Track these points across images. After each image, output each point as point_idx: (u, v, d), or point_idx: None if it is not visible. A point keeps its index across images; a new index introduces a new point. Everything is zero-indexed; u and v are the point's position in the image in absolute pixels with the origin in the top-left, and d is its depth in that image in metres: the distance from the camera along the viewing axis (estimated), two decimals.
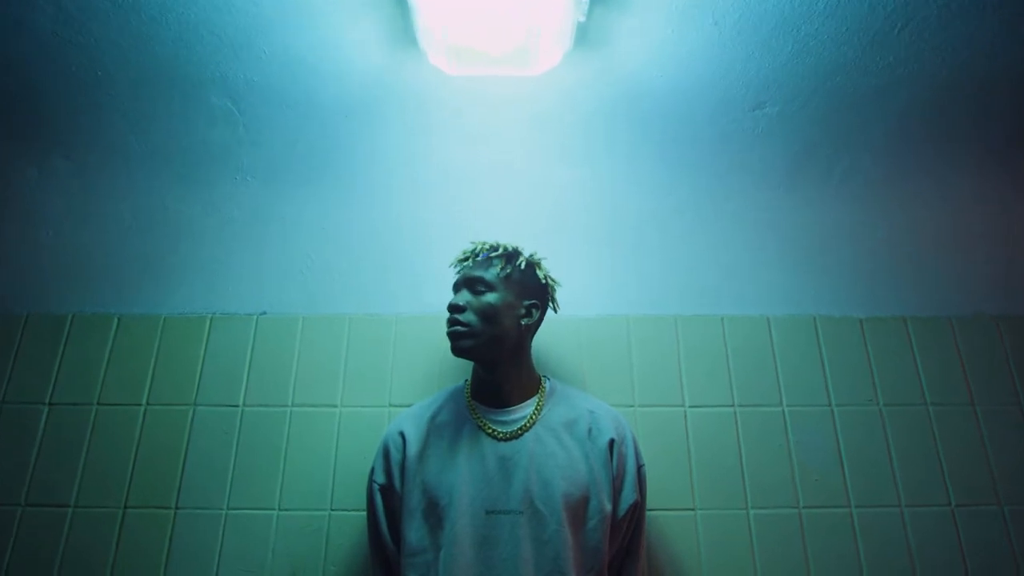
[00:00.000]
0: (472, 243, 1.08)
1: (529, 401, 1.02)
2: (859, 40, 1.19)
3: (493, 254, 1.05)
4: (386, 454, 1.00)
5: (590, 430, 1.01)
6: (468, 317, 0.99)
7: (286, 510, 1.15)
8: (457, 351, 0.99)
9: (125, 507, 1.15)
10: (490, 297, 1.01)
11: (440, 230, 1.37)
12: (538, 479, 0.93)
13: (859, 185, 1.40)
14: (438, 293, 1.26)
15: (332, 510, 1.15)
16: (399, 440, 1.00)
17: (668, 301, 1.34)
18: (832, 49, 1.20)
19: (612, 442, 1.00)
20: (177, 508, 1.15)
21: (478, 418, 1.00)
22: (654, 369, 1.26)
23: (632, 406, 1.23)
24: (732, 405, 1.24)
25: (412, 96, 1.31)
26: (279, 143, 1.39)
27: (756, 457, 1.19)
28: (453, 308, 1.00)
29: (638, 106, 1.33)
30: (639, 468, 1.02)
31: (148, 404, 1.23)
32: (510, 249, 1.06)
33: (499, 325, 1.00)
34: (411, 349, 1.28)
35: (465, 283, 1.03)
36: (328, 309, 1.32)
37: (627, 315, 1.31)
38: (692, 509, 1.15)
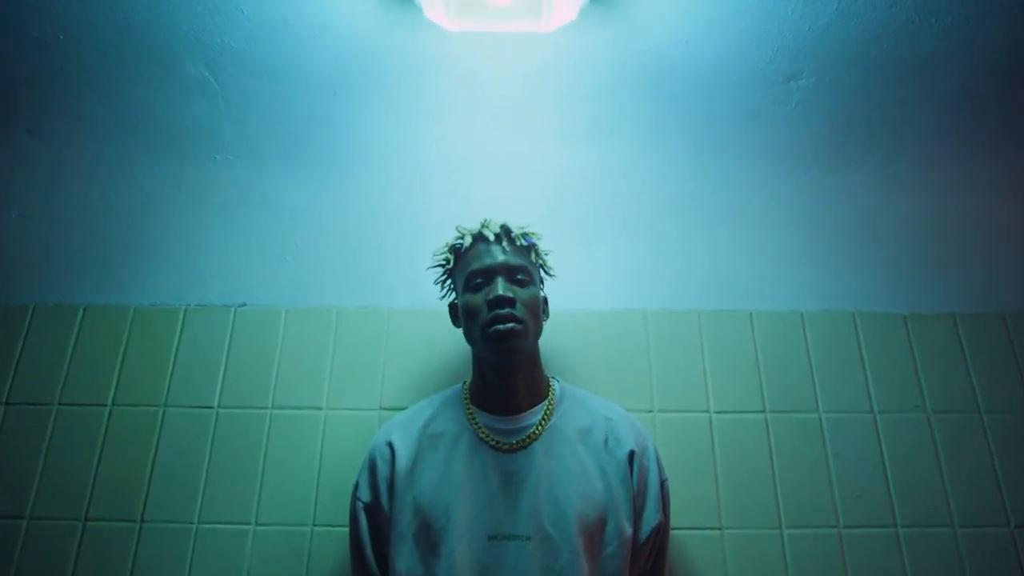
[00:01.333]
0: (484, 222, 0.92)
1: (537, 407, 0.89)
2: None
3: (534, 240, 0.92)
4: (372, 468, 0.87)
5: (606, 440, 0.88)
6: (521, 312, 0.85)
7: (264, 525, 1.03)
8: (509, 353, 0.83)
9: (85, 519, 1.04)
10: (534, 290, 0.89)
11: (440, 215, 1.24)
12: (548, 498, 0.80)
13: (903, 167, 1.26)
14: (439, 299, 1.13)
15: (315, 525, 1.03)
16: (387, 452, 0.87)
17: (690, 295, 1.20)
18: (883, 9, 1.06)
19: (632, 454, 0.87)
20: (143, 521, 1.03)
21: (478, 427, 0.87)
22: (675, 370, 1.13)
23: (651, 411, 1.10)
24: (763, 411, 1.11)
25: (409, 62, 1.18)
26: (263, 117, 1.26)
27: (790, 470, 1.07)
28: (504, 301, 0.83)
29: (659, 77, 1.19)
30: (662, 483, 0.90)
31: (114, 404, 1.11)
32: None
33: (539, 322, 0.89)
34: (406, 346, 1.15)
35: (504, 270, 0.87)
36: (315, 301, 1.19)
37: (644, 310, 1.18)
38: (719, 528, 1.03)
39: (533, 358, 0.91)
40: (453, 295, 0.98)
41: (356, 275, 1.22)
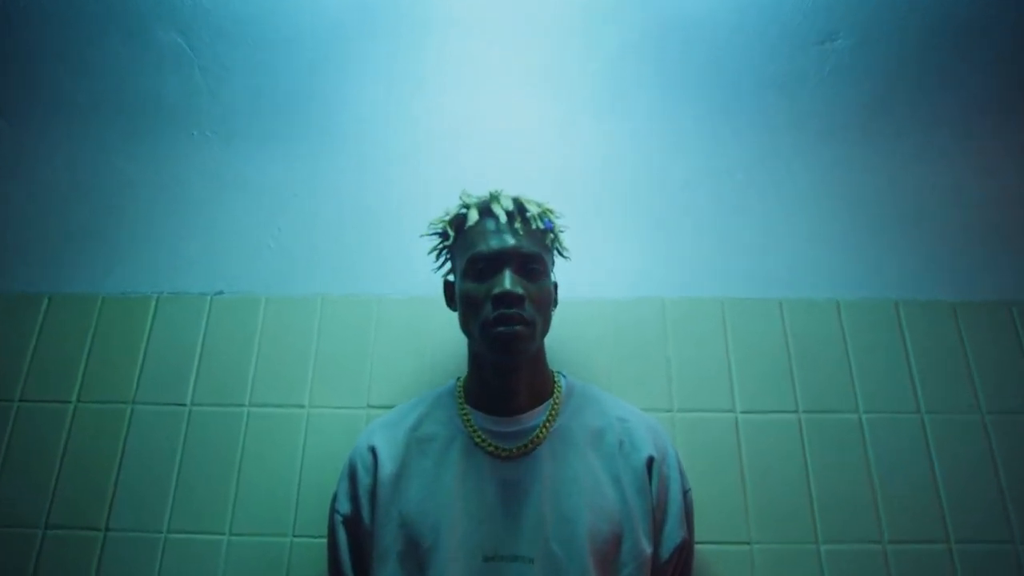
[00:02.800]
0: (494, 193, 0.79)
1: (541, 407, 0.78)
2: None
3: (552, 222, 0.80)
4: (352, 476, 0.76)
5: (621, 443, 0.77)
6: (530, 311, 0.73)
7: (239, 535, 0.93)
8: (512, 355, 0.73)
9: (46, 527, 0.94)
10: (546, 282, 0.77)
11: (439, 193, 1.11)
12: (555, 512, 0.69)
13: (948, 140, 1.13)
14: (433, 272, 1.03)
15: (295, 536, 0.93)
16: (369, 458, 0.76)
17: (713, 281, 1.09)
18: None
19: (651, 460, 0.76)
20: (107, 530, 0.94)
21: (473, 430, 0.76)
22: (696, 365, 1.02)
23: (670, 411, 0.99)
24: (795, 411, 0.99)
25: (403, 19, 1.06)
26: (242, 88, 1.16)
27: (827, 477, 0.95)
28: (512, 298, 0.71)
29: (678, 40, 1.08)
30: (685, 494, 0.78)
31: (78, 401, 1.01)
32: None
33: (548, 318, 0.78)
34: (398, 338, 1.04)
35: (514, 259, 0.74)
36: (298, 288, 1.09)
37: (662, 297, 1.07)
38: (747, 543, 0.92)
39: (538, 354, 0.79)
40: (448, 266, 0.86)
41: (344, 260, 1.11)
